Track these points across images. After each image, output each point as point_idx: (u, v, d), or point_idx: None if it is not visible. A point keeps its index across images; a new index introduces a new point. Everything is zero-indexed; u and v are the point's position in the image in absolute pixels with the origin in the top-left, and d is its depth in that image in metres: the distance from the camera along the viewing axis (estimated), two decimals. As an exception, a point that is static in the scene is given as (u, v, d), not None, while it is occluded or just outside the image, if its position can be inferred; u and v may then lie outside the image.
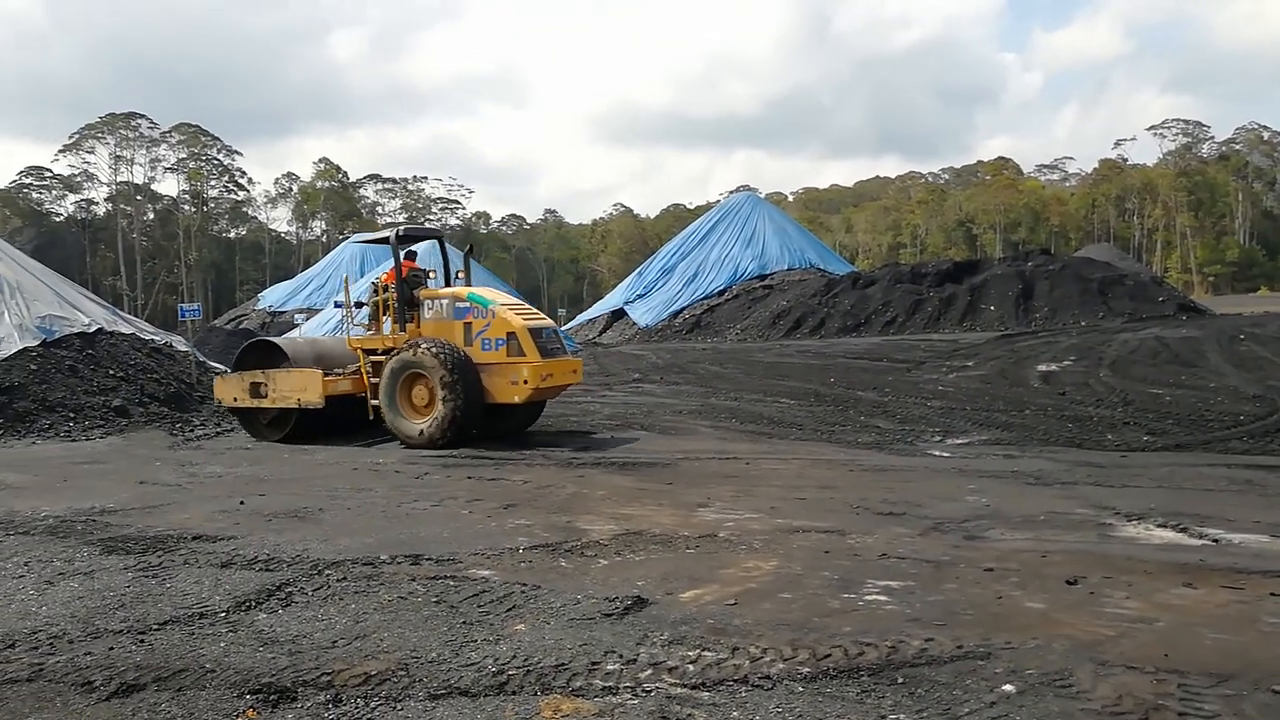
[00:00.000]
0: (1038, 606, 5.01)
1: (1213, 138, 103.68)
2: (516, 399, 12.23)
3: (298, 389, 12.97)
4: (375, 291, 13.59)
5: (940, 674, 4.09)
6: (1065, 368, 18.58)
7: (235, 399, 13.72)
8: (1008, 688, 3.93)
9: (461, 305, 12.67)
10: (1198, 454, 10.51)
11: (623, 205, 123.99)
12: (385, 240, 13.83)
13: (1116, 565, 5.80)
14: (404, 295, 13.04)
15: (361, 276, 50.16)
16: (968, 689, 3.92)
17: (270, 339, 15.10)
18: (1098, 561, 5.90)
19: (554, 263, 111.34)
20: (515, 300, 13.86)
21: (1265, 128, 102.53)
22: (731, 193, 73.93)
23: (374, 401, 12.80)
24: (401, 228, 13.81)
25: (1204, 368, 17.41)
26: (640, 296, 43.40)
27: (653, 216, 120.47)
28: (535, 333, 12.33)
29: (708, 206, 76.30)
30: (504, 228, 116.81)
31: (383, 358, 12.81)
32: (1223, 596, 5.15)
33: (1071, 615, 4.84)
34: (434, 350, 12.10)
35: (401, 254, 13.33)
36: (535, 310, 13.59)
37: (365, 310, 14.13)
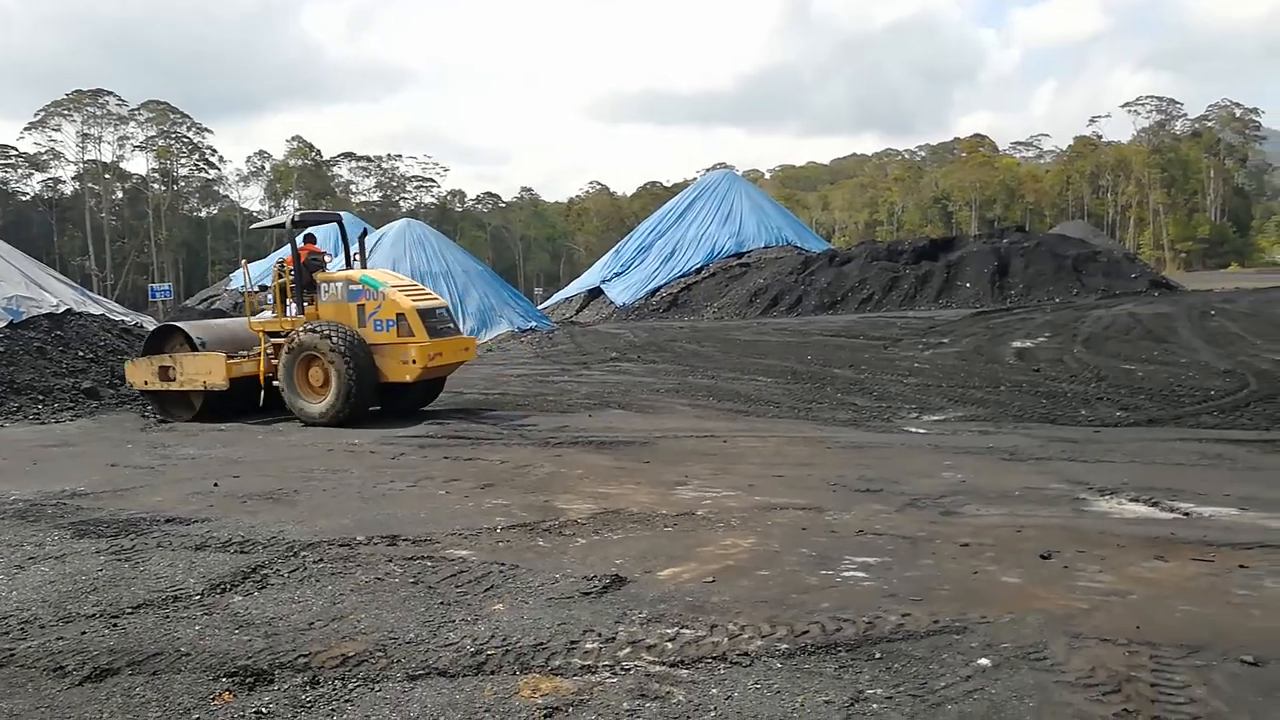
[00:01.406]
0: (1013, 581, 5.06)
1: (1186, 115, 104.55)
2: (408, 378, 12.65)
3: (203, 371, 13.33)
4: (277, 275, 13.82)
5: (917, 648, 4.12)
6: (1040, 344, 18.73)
7: (146, 382, 14.00)
8: (983, 661, 3.96)
9: (355, 288, 13.03)
10: (1169, 429, 10.64)
11: (599, 183, 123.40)
12: (281, 225, 14.16)
13: (1090, 539, 5.86)
14: (303, 279, 13.35)
15: (335, 254, 49.84)
16: (944, 663, 3.95)
17: (177, 324, 15.18)
18: (1071, 536, 5.96)
19: (530, 241, 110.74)
20: (408, 282, 14.38)
21: (1237, 105, 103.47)
22: (708, 170, 73.80)
23: (276, 382, 13.08)
24: (298, 213, 14.41)
25: (1176, 343, 17.60)
26: (617, 275, 43.23)
27: (629, 194, 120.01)
28: (425, 313, 12.74)
29: (685, 184, 76.12)
30: (480, 206, 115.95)
31: (284, 340, 13.11)
32: (1193, 569, 5.22)
33: (1046, 589, 4.89)
34: (327, 333, 12.49)
35: (300, 238, 13.76)
36: (427, 291, 14.11)
37: (269, 292, 14.40)
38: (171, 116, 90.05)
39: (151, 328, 18.48)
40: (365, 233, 15.35)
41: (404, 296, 12.88)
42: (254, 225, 17.50)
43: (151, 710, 3.73)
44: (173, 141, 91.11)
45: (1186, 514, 6.56)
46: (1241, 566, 5.22)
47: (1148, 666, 3.86)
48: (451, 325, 13.50)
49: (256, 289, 14.92)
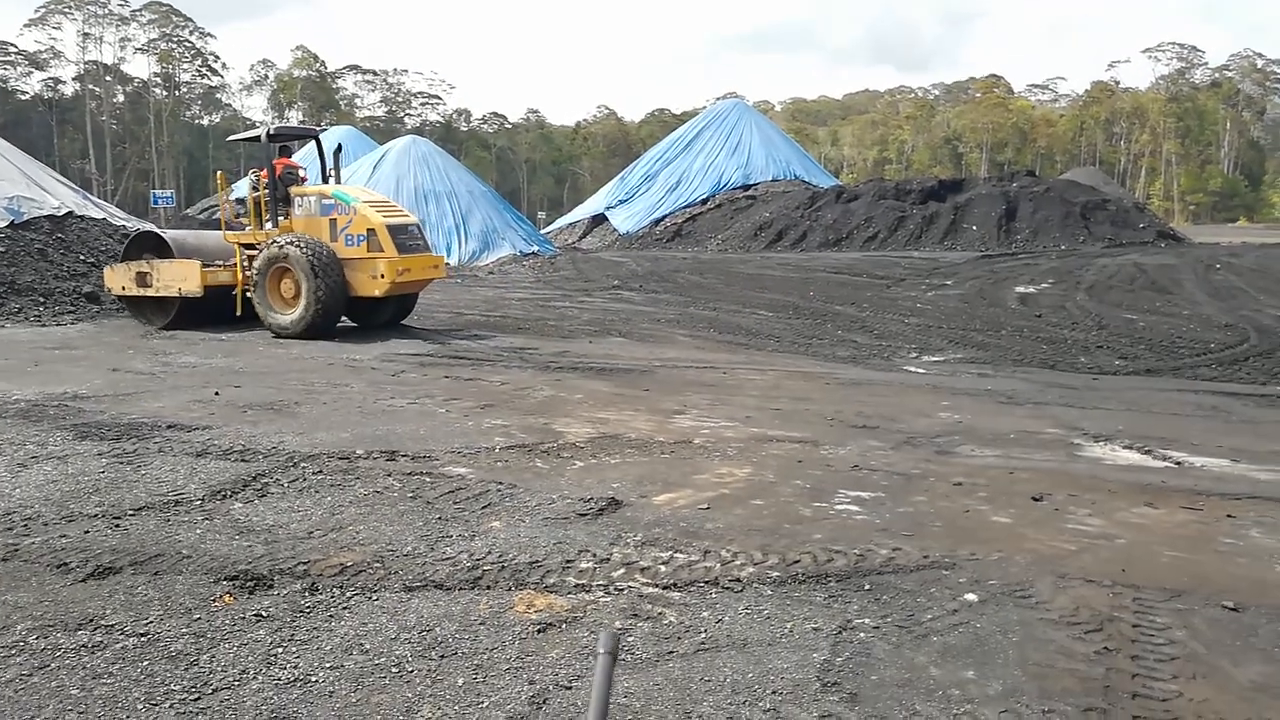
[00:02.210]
0: (1003, 521, 5.13)
1: (1206, 63, 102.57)
2: (377, 292, 12.89)
3: (179, 279, 13.44)
4: (253, 188, 13.85)
5: (906, 581, 4.19)
6: (1043, 290, 18.69)
7: (124, 287, 14.08)
8: (970, 596, 4.04)
9: (327, 202, 13.19)
10: (1167, 379, 10.68)
11: (607, 108, 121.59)
12: (257, 139, 14.18)
13: (1081, 484, 5.93)
14: (277, 193, 13.44)
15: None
16: (931, 596, 4.03)
17: (157, 230, 15.13)
18: (1064, 479, 6.02)
19: (535, 164, 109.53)
20: (380, 198, 14.63)
21: (1260, 55, 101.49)
22: (719, 99, 72.60)
23: (249, 293, 13.24)
24: (273, 126, 14.22)
25: (1179, 295, 17.56)
26: (622, 202, 42.87)
27: (637, 121, 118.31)
28: (395, 229, 12.91)
29: (694, 112, 74.97)
30: (485, 126, 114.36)
31: (257, 252, 13.24)
32: (1182, 517, 5.29)
33: (1035, 530, 4.96)
34: (299, 245, 12.62)
35: (278, 152, 13.90)
36: (399, 208, 14.32)
37: (244, 205, 14.42)
38: (174, 19, 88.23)
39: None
40: (339, 149, 15.40)
41: (375, 212, 13.03)
42: (230, 138, 17.43)
43: (154, 608, 3.80)
44: (175, 46, 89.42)
45: (1178, 463, 6.62)
46: (1229, 516, 5.28)
47: (1130, 608, 3.93)
48: (421, 242, 13.63)
49: (234, 201, 14.97)
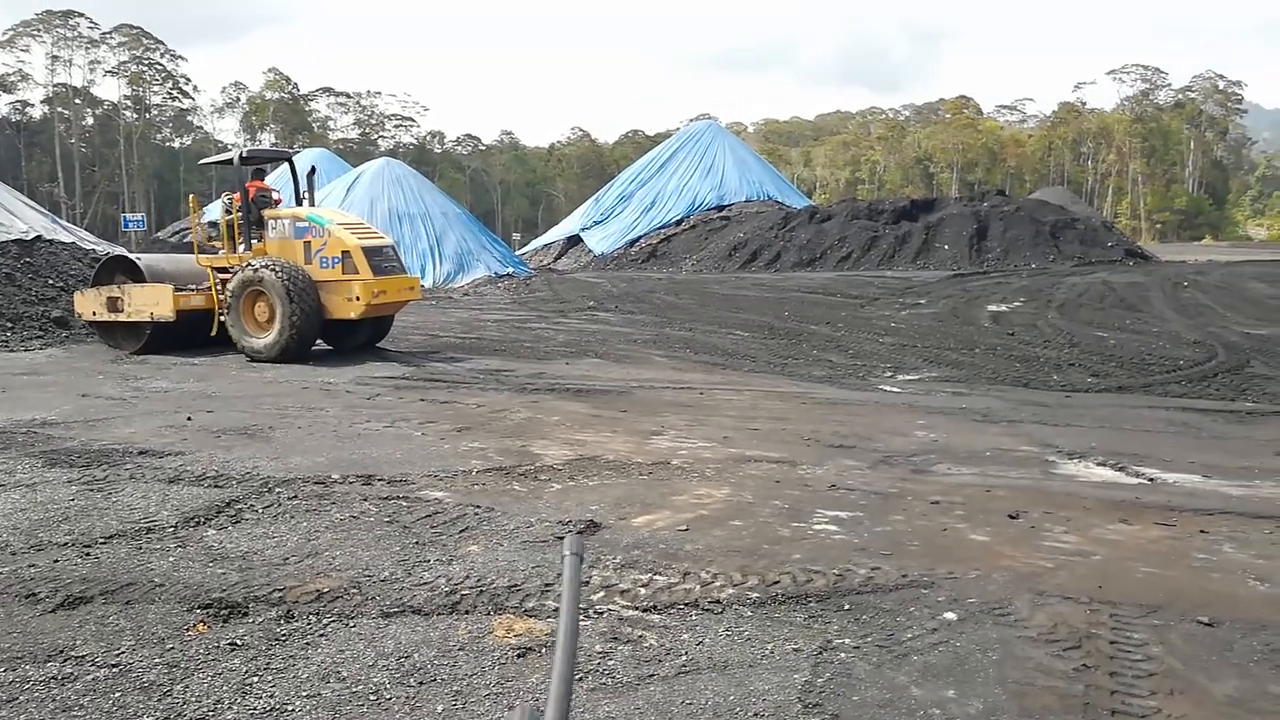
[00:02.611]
0: (980, 539, 5.15)
1: (1170, 84, 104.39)
2: (352, 314, 12.82)
3: (151, 303, 13.33)
4: (225, 211, 13.81)
5: (885, 601, 4.20)
6: (1015, 308, 18.88)
7: (94, 313, 13.94)
8: (949, 615, 4.05)
9: (301, 225, 13.13)
10: (1138, 396, 10.79)
11: (581, 129, 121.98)
12: (229, 162, 14.11)
13: (1057, 501, 5.97)
14: (250, 216, 13.39)
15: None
16: (911, 615, 4.04)
17: (128, 255, 15.04)
18: (1039, 497, 6.06)
19: (509, 185, 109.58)
20: (355, 220, 14.58)
21: (1221, 76, 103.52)
22: (692, 120, 73.06)
23: (223, 317, 13.15)
24: (246, 149, 14.37)
25: (1148, 313, 17.79)
26: (597, 223, 42.94)
27: (611, 142, 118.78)
28: (370, 251, 12.87)
29: (668, 133, 75.39)
30: (459, 148, 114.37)
31: (230, 275, 13.16)
32: (1156, 533, 5.34)
33: (1012, 548, 4.98)
34: (273, 269, 12.55)
35: (250, 174, 13.78)
36: (374, 230, 14.28)
37: (217, 228, 14.38)
38: (145, 42, 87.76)
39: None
40: (313, 170, 15.32)
41: (349, 234, 12.98)
42: (202, 161, 17.34)
43: (125, 638, 3.74)
44: (146, 68, 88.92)
45: (1151, 479, 6.68)
46: (1202, 531, 5.34)
47: (1108, 624, 3.96)
48: (397, 264, 13.59)
49: (207, 225, 14.88)
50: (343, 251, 12.71)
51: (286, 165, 15.23)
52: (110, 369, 12.05)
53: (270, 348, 12.59)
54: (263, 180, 14.39)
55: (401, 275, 13.54)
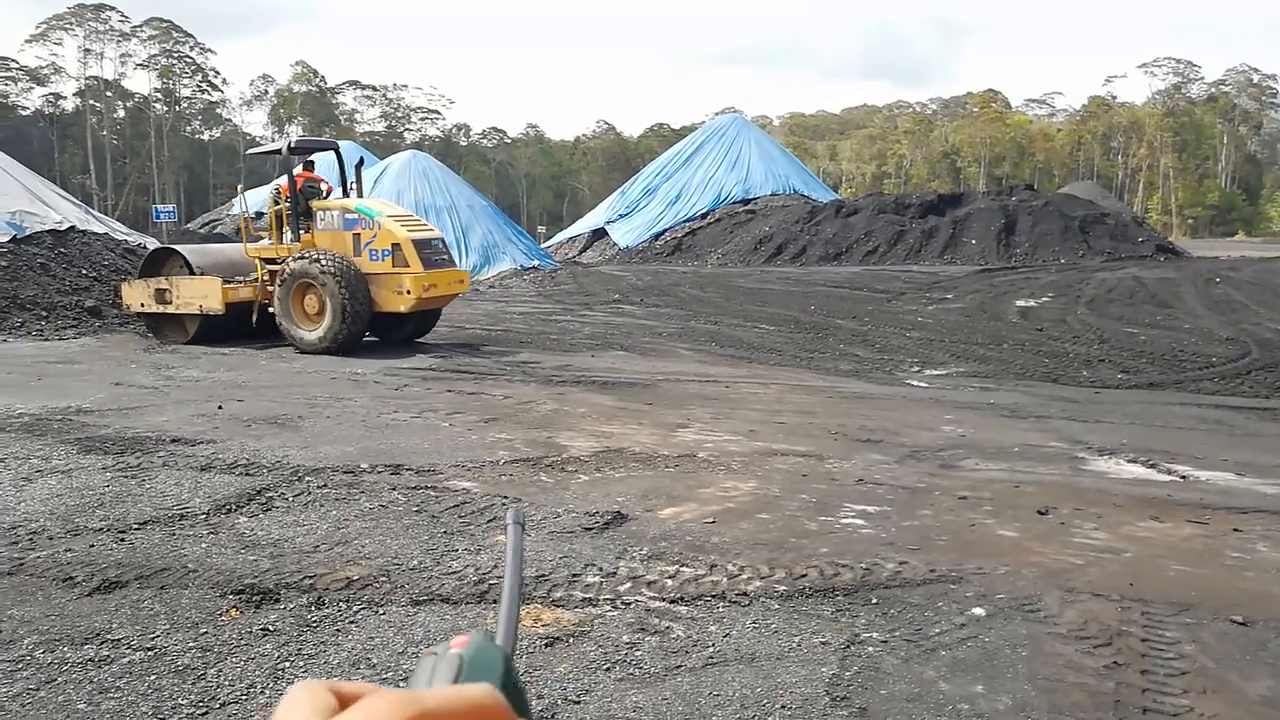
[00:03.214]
0: (1009, 534, 5.12)
1: (1203, 78, 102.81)
2: (402, 308, 12.70)
3: (200, 295, 13.33)
4: (273, 202, 13.74)
5: (913, 595, 4.18)
6: (1043, 304, 18.70)
7: (142, 304, 13.97)
8: (978, 610, 4.03)
9: (350, 217, 13.00)
10: (1170, 393, 10.67)
11: (606, 122, 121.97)
12: (278, 152, 14.02)
13: (1087, 497, 5.92)
14: (298, 206, 13.29)
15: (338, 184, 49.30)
16: (939, 610, 4.02)
17: (175, 247, 15.13)
18: (1069, 493, 6.02)
19: (534, 178, 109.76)
20: (404, 212, 14.37)
21: (1255, 70, 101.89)
22: (718, 114, 72.86)
23: (271, 309, 13.12)
24: (294, 139, 14.04)
25: (1179, 309, 17.58)
26: (622, 216, 42.93)
27: (636, 135, 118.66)
28: (420, 244, 12.73)
29: (693, 127, 75.21)
30: (485, 140, 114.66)
31: (279, 267, 13.10)
32: (1188, 530, 5.28)
33: (1041, 544, 4.95)
34: (323, 261, 12.50)
35: (299, 165, 13.67)
36: (423, 222, 14.14)
37: (265, 219, 14.25)
38: (174, 35, 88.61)
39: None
40: (361, 161, 15.27)
41: (399, 227, 12.86)
42: (250, 150, 17.36)
43: (160, 622, 3.80)
44: (175, 61, 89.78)
45: (1183, 477, 6.61)
46: (1236, 530, 5.28)
47: (1139, 622, 3.93)
48: (446, 257, 13.48)
49: (253, 215, 14.80)
50: (393, 244, 12.61)
51: (334, 156, 15.19)
52: (143, 358, 12.20)
53: (320, 340, 12.54)
54: (312, 170, 14.28)
55: (451, 269, 13.43)
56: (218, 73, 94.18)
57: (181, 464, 6.29)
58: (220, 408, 8.41)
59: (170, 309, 13.67)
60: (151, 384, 9.92)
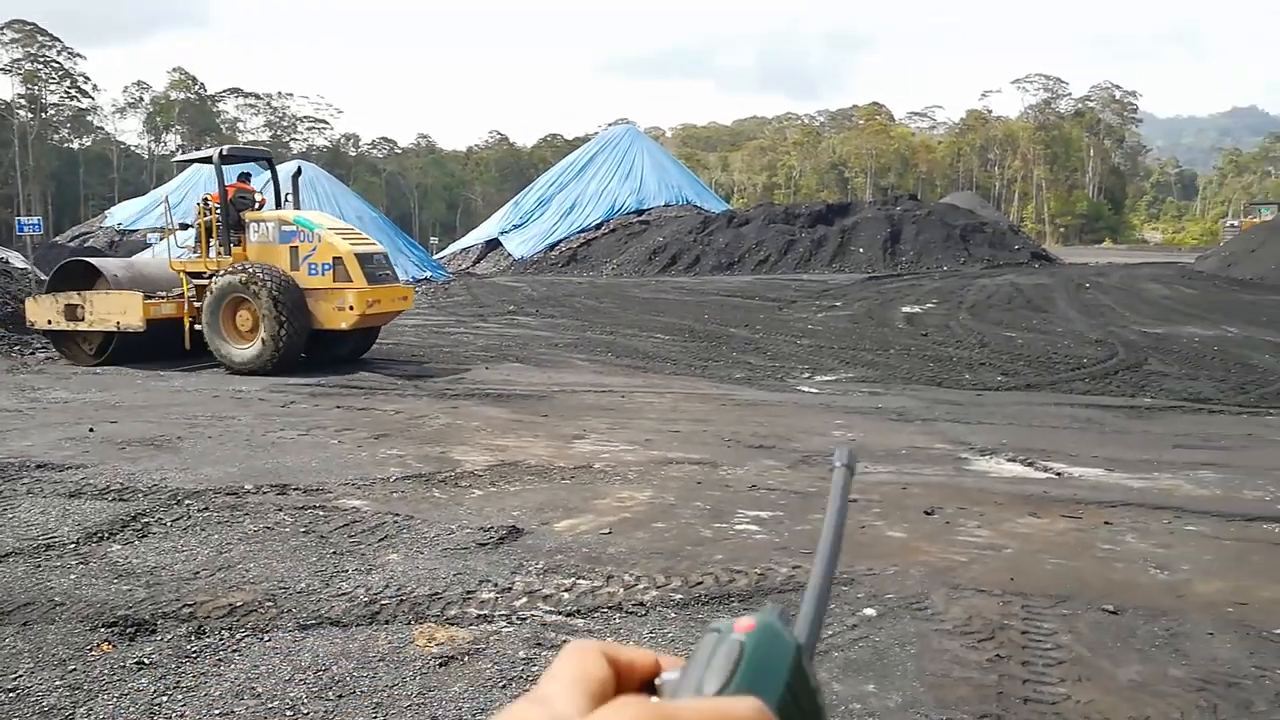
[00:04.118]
0: (898, 535, 5.26)
1: (1070, 94, 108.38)
2: (344, 325, 12.15)
3: (117, 311, 12.54)
4: (200, 213, 13.12)
5: (806, 599, 4.25)
6: (928, 310, 19.36)
7: (50, 321, 13.13)
8: (869, 611, 4.12)
9: (288, 229, 12.40)
10: (1045, 393, 11.16)
11: (499, 133, 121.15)
12: (209, 160, 13.38)
13: (970, 496, 6.13)
14: (229, 217, 12.67)
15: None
16: (832, 613, 4.09)
17: (87, 259, 14.38)
18: (953, 493, 6.22)
19: (426, 189, 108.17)
20: (344, 225, 13.74)
21: (1117, 87, 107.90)
22: (610, 125, 73.18)
23: (198, 326, 12.45)
24: (225, 148, 13.44)
25: (1053, 313, 18.44)
26: (516, 227, 42.68)
27: (530, 146, 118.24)
28: (363, 259, 12.19)
29: (586, 138, 75.36)
30: (375, 151, 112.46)
31: (207, 281, 12.45)
32: (1063, 525, 5.52)
33: (928, 543, 5.10)
34: (258, 275, 11.86)
35: (233, 175, 13.11)
36: (365, 236, 13.55)
37: (192, 231, 13.61)
38: (40, 39, 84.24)
39: (18, 263, 17.47)
40: (299, 172, 14.49)
41: (341, 240, 12.23)
42: (178, 158, 16.46)
43: (24, 661, 3.57)
44: (40, 66, 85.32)
45: (1058, 474, 6.91)
46: (1106, 523, 5.54)
47: (1019, 615, 4.08)
48: (390, 272, 12.83)
49: (178, 226, 13.89)
50: (334, 258, 11.95)
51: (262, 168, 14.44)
52: (4, 379, 11.51)
53: (254, 359, 11.82)
54: (247, 182, 13.54)
55: (395, 285, 12.80)
56: (88, 78, 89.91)
57: (48, 491, 5.95)
58: (91, 430, 7.99)
59: (82, 325, 12.75)
60: (15, 406, 9.36)
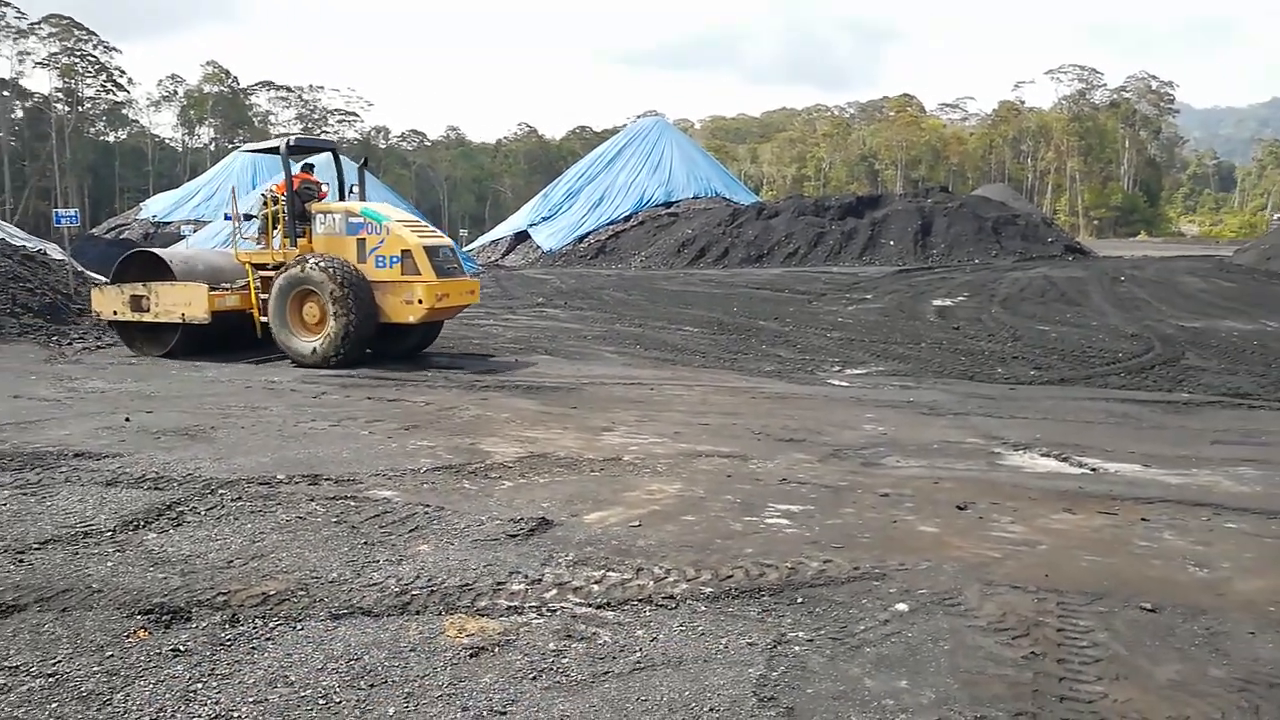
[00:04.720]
0: (930, 530, 5.21)
1: (1105, 84, 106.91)
2: (411, 319, 11.99)
3: (182, 303, 12.49)
4: (265, 204, 13.04)
5: (837, 594, 4.22)
6: (959, 303, 19.18)
7: (115, 312, 13.13)
8: (901, 606, 4.08)
9: (355, 220, 12.21)
10: (1080, 388, 11.03)
11: (528, 125, 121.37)
12: (275, 150, 13.25)
13: (1003, 492, 6.07)
14: (295, 209, 12.53)
15: (254, 188, 48.05)
16: (863, 608, 4.06)
17: (153, 250, 14.40)
18: (986, 488, 6.16)
19: (455, 181, 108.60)
20: (411, 217, 13.52)
21: (1154, 77, 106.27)
22: (639, 117, 73.08)
23: (263, 318, 12.37)
24: (293, 138, 13.26)
25: (1087, 307, 18.21)
26: (545, 219, 42.79)
27: (558, 138, 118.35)
28: (431, 251, 12.00)
29: (615, 130, 75.30)
30: (404, 143, 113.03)
31: (272, 273, 12.37)
32: (1099, 521, 5.45)
33: (961, 539, 5.05)
34: (326, 266, 11.73)
35: (297, 166, 12.89)
36: (432, 228, 13.32)
37: (255, 223, 13.47)
38: (76, 33, 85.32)
39: (57, 255, 17.72)
40: (365, 163, 14.38)
41: (410, 232, 12.10)
42: (245, 148, 16.30)
43: (62, 647, 3.61)
44: (77, 60, 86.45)
45: (1094, 469, 6.82)
46: (1143, 520, 5.46)
47: (1054, 612, 4.02)
48: (457, 265, 12.70)
49: (243, 217, 13.68)
50: (402, 250, 11.83)
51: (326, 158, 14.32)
52: (44, 369, 11.69)
53: (320, 352, 11.76)
54: (311, 173, 13.41)
55: (462, 278, 12.64)
56: (123, 72, 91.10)
57: (85, 479, 6.03)
58: (128, 419, 8.09)
59: (148, 317, 12.78)
60: (53, 396, 9.50)
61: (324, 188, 13.55)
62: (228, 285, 12.90)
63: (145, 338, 13.26)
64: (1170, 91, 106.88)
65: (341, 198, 13.55)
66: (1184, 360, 12.52)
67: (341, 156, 14.47)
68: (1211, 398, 10.36)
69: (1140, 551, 4.92)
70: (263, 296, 12.44)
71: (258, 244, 13.18)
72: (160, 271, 13.05)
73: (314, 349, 11.87)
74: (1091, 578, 4.46)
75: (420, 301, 11.76)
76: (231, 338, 12.81)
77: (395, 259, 11.91)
